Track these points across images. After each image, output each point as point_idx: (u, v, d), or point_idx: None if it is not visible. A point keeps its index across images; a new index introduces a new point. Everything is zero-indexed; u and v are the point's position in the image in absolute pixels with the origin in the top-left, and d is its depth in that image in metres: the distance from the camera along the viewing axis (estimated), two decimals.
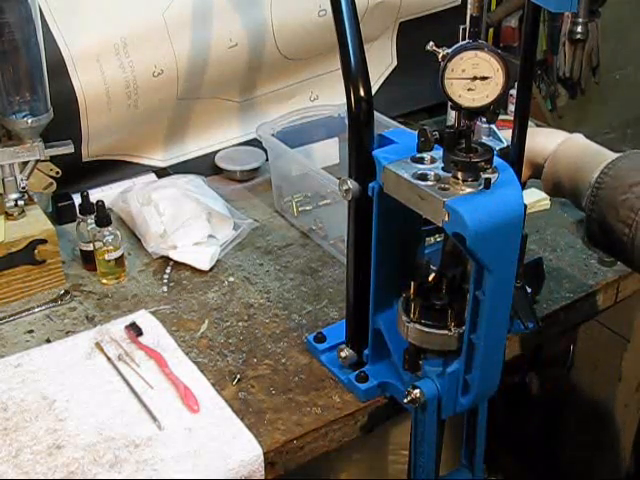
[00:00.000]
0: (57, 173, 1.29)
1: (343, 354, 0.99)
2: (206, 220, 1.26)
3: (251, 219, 1.34)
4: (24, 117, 1.12)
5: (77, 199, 1.23)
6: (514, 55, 1.50)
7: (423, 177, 0.80)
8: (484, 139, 0.87)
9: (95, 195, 1.30)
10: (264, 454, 0.89)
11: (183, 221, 1.24)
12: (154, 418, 0.93)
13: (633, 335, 1.47)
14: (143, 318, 1.09)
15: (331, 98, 1.53)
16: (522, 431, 1.77)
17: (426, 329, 0.87)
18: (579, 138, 1.00)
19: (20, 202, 1.16)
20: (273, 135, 1.36)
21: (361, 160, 0.88)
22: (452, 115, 0.83)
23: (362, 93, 0.86)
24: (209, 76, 1.40)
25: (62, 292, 1.16)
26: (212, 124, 1.49)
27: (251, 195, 1.45)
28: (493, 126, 1.34)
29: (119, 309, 1.13)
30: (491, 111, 0.77)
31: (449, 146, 0.79)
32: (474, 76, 0.75)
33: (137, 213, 1.28)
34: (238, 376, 1.01)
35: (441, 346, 0.88)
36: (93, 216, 1.16)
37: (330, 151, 1.44)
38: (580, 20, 1.58)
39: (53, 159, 1.23)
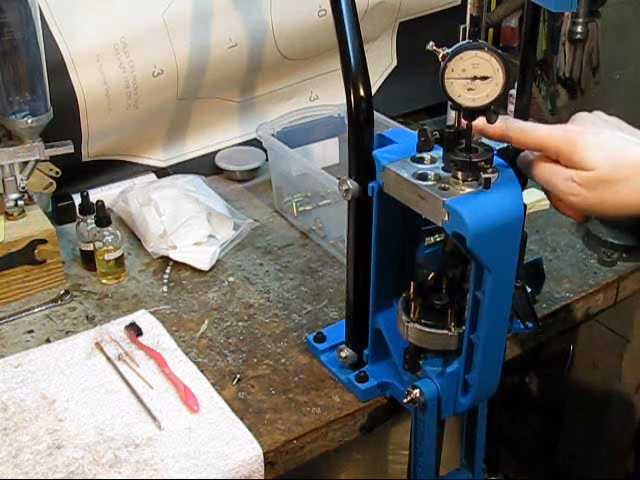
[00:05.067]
0: (57, 173, 1.30)
1: (343, 354, 0.99)
2: (206, 220, 1.26)
3: (251, 219, 1.34)
4: (24, 117, 1.12)
5: (77, 199, 1.23)
6: (514, 55, 1.50)
7: (423, 177, 0.80)
8: (484, 139, 0.86)
9: (95, 195, 1.30)
10: (264, 454, 0.89)
11: (183, 221, 1.24)
12: (154, 418, 0.93)
13: (633, 335, 1.47)
14: (143, 318, 1.09)
15: (331, 98, 1.53)
16: (522, 431, 1.77)
17: (426, 329, 0.87)
18: None
19: (20, 202, 1.16)
20: (273, 135, 1.36)
21: (361, 160, 0.88)
22: (452, 115, 0.83)
23: (362, 93, 0.86)
24: (209, 76, 1.40)
25: (62, 292, 1.16)
26: (212, 124, 1.49)
27: (251, 195, 1.45)
28: None
29: (119, 309, 1.13)
30: (491, 111, 0.77)
31: (449, 146, 0.79)
32: (474, 76, 0.75)
33: (137, 213, 1.28)
34: (238, 376, 1.01)
35: (441, 346, 0.88)
36: (93, 216, 1.16)
37: (330, 151, 1.44)
38: (580, 20, 1.58)
39: (53, 159, 1.23)
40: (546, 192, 0.84)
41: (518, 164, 0.84)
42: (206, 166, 1.48)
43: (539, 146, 0.81)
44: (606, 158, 0.77)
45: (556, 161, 0.80)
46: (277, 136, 1.36)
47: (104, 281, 1.19)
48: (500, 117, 0.79)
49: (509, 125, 0.81)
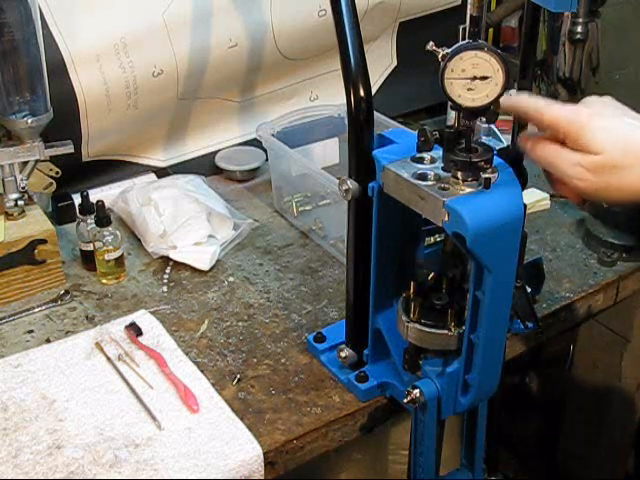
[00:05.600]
0: (57, 173, 1.30)
1: (343, 354, 0.99)
2: (206, 220, 1.26)
3: (251, 219, 1.34)
4: (24, 117, 1.12)
5: (77, 199, 1.23)
6: (514, 55, 1.50)
7: (423, 177, 0.80)
8: (484, 139, 0.86)
9: (95, 195, 1.30)
10: (264, 454, 0.89)
11: (183, 221, 1.24)
12: (154, 418, 0.93)
13: (633, 335, 1.47)
14: (143, 318, 1.09)
15: (331, 98, 1.53)
16: (522, 431, 1.77)
17: (426, 329, 0.88)
18: None
19: (20, 202, 1.16)
20: (273, 135, 1.36)
21: (361, 160, 0.88)
22: (452, 115, 0.83)
23: (362, 93, 0.86)
24: (209, 76, 1.40)
25: (62, 292, 1.16)
26: (212, 124, 1.49)
27: (251, 195, 1.45)
28: (493, 126, 1.34)
29: (119, 309, 1.13)
30: (491, 111, 0.77)
31: (449, 146, 0.79)
32: (474, 76, 0.75)
33: (137, 213, 1.28)
34: (238, 376, 1.01)
35: (441, 346, 0.88)
36: (93, 216, 1.16)
37: (330, 151, 1.44)
38: (580, 20, 1.58)
39: (53, 159, 1.23)
40: (546, 173, 0.83)
41: (518, 144, 0.84)
42: (206, 166, 1.48)
43: (550, 124, 0.80)
44: (614, 143, 0.77)
45: (562, 142, 0.79)
46: (277, 136, 1.36)
47: (104, 281, 1.19)
48: (513, 94, 0.79)
49: (522, 98, 0.81)
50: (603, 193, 0.79)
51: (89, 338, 1.06)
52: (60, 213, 1.31)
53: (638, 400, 1.52)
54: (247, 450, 0.89)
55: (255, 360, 1.04)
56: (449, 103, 0.77)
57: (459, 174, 0.78)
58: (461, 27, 1.49)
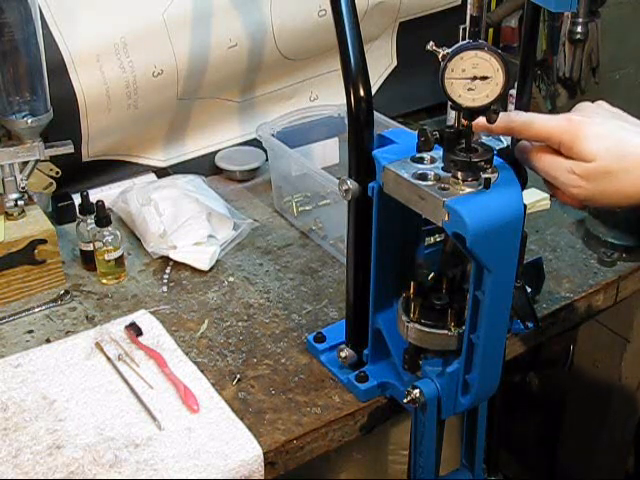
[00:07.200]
0: (57, 173, 1.30)
1: (343, 354, 0.99)
2: (206, 220, 1.26)
3: (251, 219, 1.34)
4: (24, 117, 1.12)
5: (77, 199, 1.23)
6: (514, 55, 1.50)
7: (423, 177, 0.80)
8: (484, 139, 0.86)
9: (95, 195, 1.30)
10: (264, 454, 0.89)
11: (183, 221, 1.24)
12: (154, 418, 0.93)
13: (633, 335, 1.47)
14: (143, 318, 1.09)
15: (331, 98, 1.53)
16: (522, 431, 1.77)
17: (426, 329, 0.88)
18: None
19: (20, 202, 1.16)
20: (273, 135, 1.36)
21: (361, 160, 0.88)
22: (452, 115, 0.83)
23: (362, 93, 0.86)
24: (209, 76, 1.40)
25: (62, 292, 1.16)
26: (212, 124, 1.49)
27: (251, 195, 1.45)
28: None
29: (119, 309, 1.13)
30: (491, 111, 0.77)
31: (449, 146, 0.79)
32: (474, 76, 0.75)
33: (137, 213, 1.28)
34: (238, 376, 1.01)
35: (441, 346, 0.88)
36: (93, 216, 1.16)
37: (330, 151, 1.44)
38: (580, 20, 1.58)
39: (53, 159, 1.23)
40: (545, 181, 0.84)
41: (515, 154, 0.84)
42: (206, 166, 1.48)
43: (543, 138, 0.81)
44: (607, 149, 0.77)
45: (557, 150, 0.80)
46: (277, 136, 1.36)
47: (104, 281, 1.19)
48: (501, 113, 0.79)
49: (512, 118, 0.82)
50: (598, 198, 0.79)
51: (89, 338, 1.06)
52: (60, 213, 1.31)
53: (638, 400, 1.52)
54: (247, 450, 0.89)
55: (255, 360, 1.04)
56: (449, 103, 0.77)
57: (459, 174, 0.78)
58: (461, 27, 1.49)
